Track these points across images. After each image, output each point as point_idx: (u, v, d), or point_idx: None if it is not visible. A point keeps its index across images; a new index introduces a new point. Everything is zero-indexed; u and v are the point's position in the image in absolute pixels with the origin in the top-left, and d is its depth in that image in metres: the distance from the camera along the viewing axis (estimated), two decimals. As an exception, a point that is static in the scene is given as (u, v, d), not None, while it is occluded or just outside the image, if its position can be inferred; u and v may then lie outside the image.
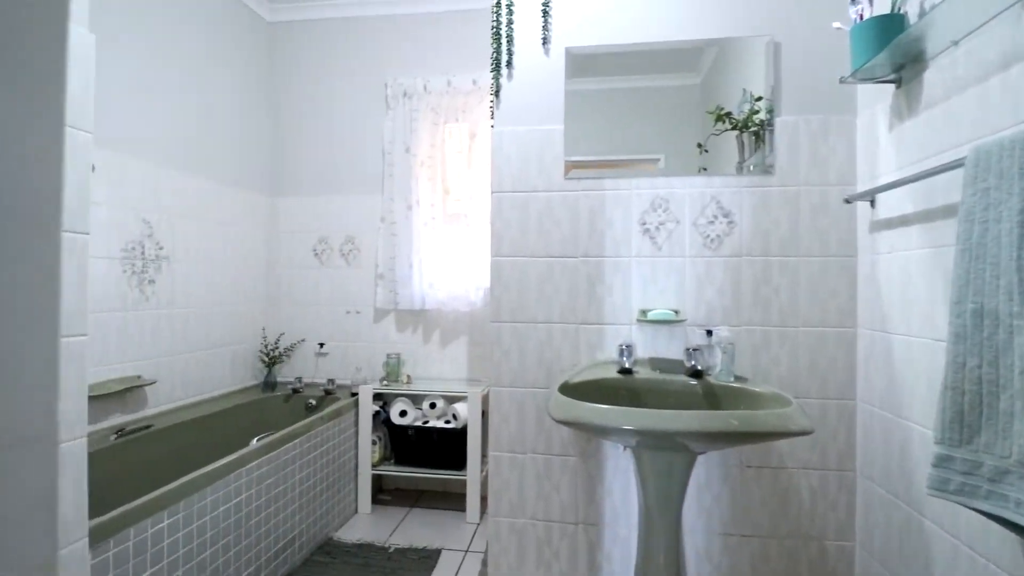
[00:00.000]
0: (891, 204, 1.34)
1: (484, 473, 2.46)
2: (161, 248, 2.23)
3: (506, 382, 1.65)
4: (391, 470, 2.56)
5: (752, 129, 1.57)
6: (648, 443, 1.23)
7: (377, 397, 2.58)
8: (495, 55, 1.64)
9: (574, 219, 1.61)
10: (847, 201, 1.48)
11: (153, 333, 2.18)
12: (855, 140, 1.51)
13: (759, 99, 1.56)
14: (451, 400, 2.55)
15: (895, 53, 1.20)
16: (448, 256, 2.73)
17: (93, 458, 1.76)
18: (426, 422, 2.52)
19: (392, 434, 2.61)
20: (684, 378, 1.42)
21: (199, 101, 2.46)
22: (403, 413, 2.55)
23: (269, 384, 2.74)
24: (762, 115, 1.54)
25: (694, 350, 1.43)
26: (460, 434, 2.46)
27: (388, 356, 2.67)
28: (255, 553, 1.78)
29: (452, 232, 2.74)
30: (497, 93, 1.65)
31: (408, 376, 2.69)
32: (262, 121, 2.91)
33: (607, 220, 1.60)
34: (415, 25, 2.82)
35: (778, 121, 1.54)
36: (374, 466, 2.54)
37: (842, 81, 1.35)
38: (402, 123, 2.77)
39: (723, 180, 1.56)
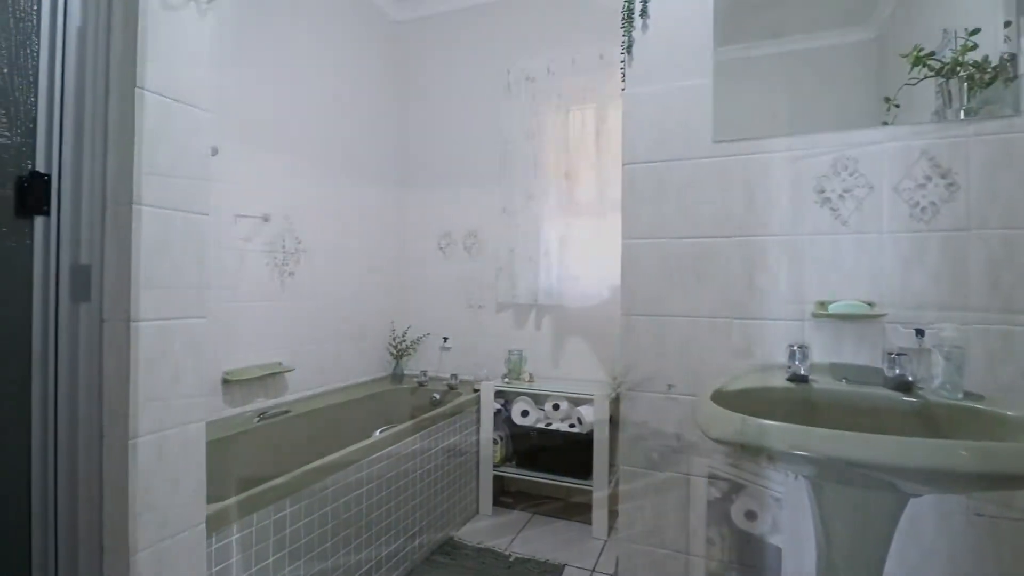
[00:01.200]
0: None
1: (612, 485, 2.22)
2: (299, 242, 2.34)
3: (640, 385, 1.41)
4: (513, 472, 2.43)
5: (963, 74, 1.18)
6: (838, 476, 0.93)
7: (498, 395, 2.47)
8: (627, 5, 1.41)
9: (726, 190, 1.32)
10: None
11: (292, 323, 2.30)
12: None
13: (974, 32, 1.17)
14: (576, 402, 2.36)
15: None
16: (572, 247, 2.54)
17: (238, 439, 1.87)
18: (549, 424, 2.36)
19: (513, 434, 2.48)
20: (885, 391, 1.07)
21: (333, 101, 2.56)
22: (525, 413, 2.41)
23: (397, 376, 2.78)
24: (992, 48, 1.14)
25: (899, 355, 1.08)
26: (585, 440, 2.26)
27: (510, 353, 2.55)
28: (376, 547, 1.75)
29: (577, 222, 2.55)
30: (629, 49, 1.42)
31: (530, 374, 2.55)
32: (390, 118, 2.98)
33: (771, 189, 1.28)
34: (536, 4, 2.68)
35: (1027, 42, 1.11)
36: (495, 466, 2.43)
37: None
38: (523, 110, 2.63)
39: (938, 128, 1.17)
